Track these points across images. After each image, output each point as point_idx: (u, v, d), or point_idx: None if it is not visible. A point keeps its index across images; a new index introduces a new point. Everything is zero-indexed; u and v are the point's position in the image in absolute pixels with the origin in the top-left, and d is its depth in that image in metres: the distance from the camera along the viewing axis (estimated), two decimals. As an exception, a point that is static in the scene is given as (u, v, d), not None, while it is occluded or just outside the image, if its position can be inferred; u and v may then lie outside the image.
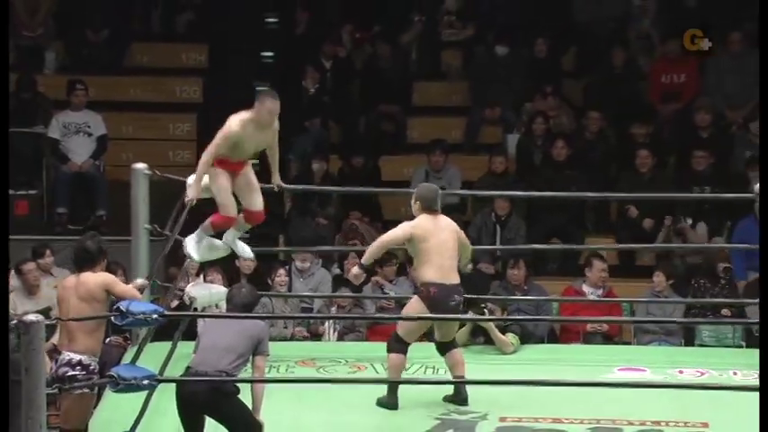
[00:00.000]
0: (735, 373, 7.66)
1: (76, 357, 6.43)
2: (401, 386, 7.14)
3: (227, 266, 9.29)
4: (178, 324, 7.43)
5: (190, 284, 7.85)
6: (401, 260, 9.67)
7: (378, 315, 9.41)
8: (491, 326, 8.06)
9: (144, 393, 6.51)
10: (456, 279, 7.19)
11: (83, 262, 6.62)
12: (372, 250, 7.25)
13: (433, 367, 7.66)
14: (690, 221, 10.23)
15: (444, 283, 7.12)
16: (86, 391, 6.44)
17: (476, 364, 7.80)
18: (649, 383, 7.26)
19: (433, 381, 7.31)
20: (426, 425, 6.96)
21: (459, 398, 7.18)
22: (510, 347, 8.12)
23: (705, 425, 6.97)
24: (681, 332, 9.30)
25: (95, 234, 6.88)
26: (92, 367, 6.47)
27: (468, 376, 7.38)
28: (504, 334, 8.13)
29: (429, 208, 7.34)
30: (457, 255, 7.25)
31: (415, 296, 7.28)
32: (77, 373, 6.41)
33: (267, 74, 11.96)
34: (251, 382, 6.41)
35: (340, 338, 9.20)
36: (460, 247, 7.30)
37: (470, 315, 7.95)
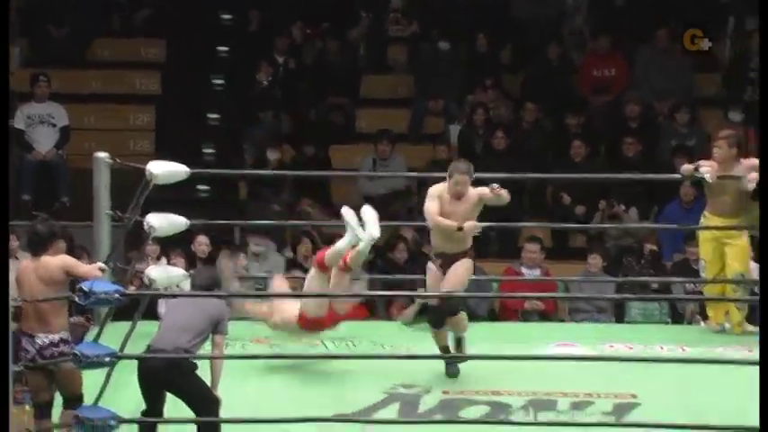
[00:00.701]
0: (661, 348, 7.75)
1: (56, 337, 6.41)
2: (351, 364, 7.17)
3: (188, 251, 9.27)
4: (138, 304, 7.40)
5: (149, 267, 7.82)
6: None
7: (337, 293, 9.36)
8: None
9: (105, 369, 6.49)
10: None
11: (34, 245, 6.59)
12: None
13: (381, 344, 7.70)
14: (623, 206, 10.33)
15: None
16: None
17: (421, 341, 7.85)
18: (581, 356, 7.33)
19: (386, 355, 7.33)
20: (373, 398, 7.00)
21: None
22: (465, 323, 8.18)
23: (633, 396, 7.05)
24: (611, 310, 9.39)
25: (47, 218, 6.84)
26: (71, 340, 6.47)
27: (415, 352, 7.43)
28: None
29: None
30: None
31: (467, 259, 7.14)
32: (64, 348, 6.41)
33: (222, 68, 11.92)
34: (208, 358, 6.41)
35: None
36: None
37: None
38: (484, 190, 7.15)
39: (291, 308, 7.27)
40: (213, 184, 11.46)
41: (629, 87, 11.48)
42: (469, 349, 7.61)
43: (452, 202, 7.19)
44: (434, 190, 7.22)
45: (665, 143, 10.99)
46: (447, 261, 7.14)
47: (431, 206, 7.14)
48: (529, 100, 11.30)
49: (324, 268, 7.09)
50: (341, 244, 7.11)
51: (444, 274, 7.10)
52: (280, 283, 7.58)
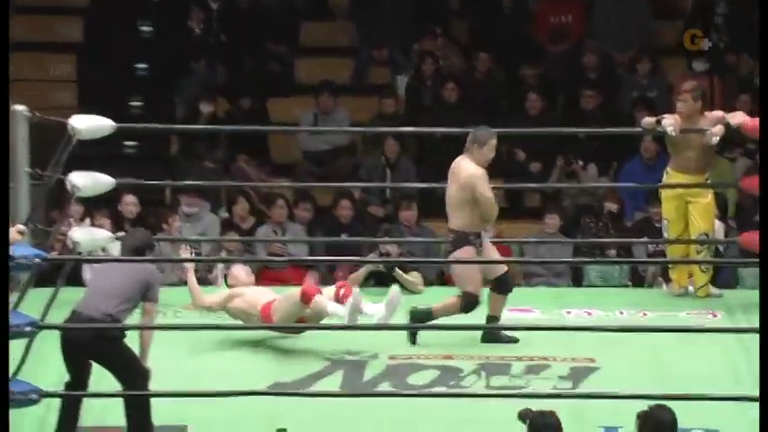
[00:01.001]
0: (621, 313, 7.80)
1: None
2: (298, 335, 7.20)
3: (114, 211, 9.19)
4: (61, 269, 7.33)
5: (73, 228, 7.74)
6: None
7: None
8: (397, 270, 8.12)
9: (26, 340, 6.42)
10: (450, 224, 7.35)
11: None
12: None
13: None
14: (581, 163, 10.37)
15: None
16: None
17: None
18: (536, 326, 7.36)
19: (329, 326, 7.33)
20: (315, 367, 7.00)
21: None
22: (421, 286, 8.21)
23: (591, 360, 7.10)
24: (569, 273, 9.45)
25: None
26: None
27: (364, 320, 7.44)
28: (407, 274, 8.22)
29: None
30: (455, 203, 7.35)
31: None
32: None
33: (151, 14, 11.78)
34: (137, 328, 6.37)
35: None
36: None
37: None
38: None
39: (258, 297, 7.22)
40: (141, 140, 11.35)
41: (588, 36, 11.49)
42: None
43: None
44: (480, 170, 7.30)
45: (626, 95, 11.03)
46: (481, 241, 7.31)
47: (488, 190, 7.23)
48: (481, 49, 11.28)
49: (307, 302, 7.05)
50: (333, 308, 7.03)
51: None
52: (238, 273, 7.48)
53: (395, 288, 7.08)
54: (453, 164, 7.42)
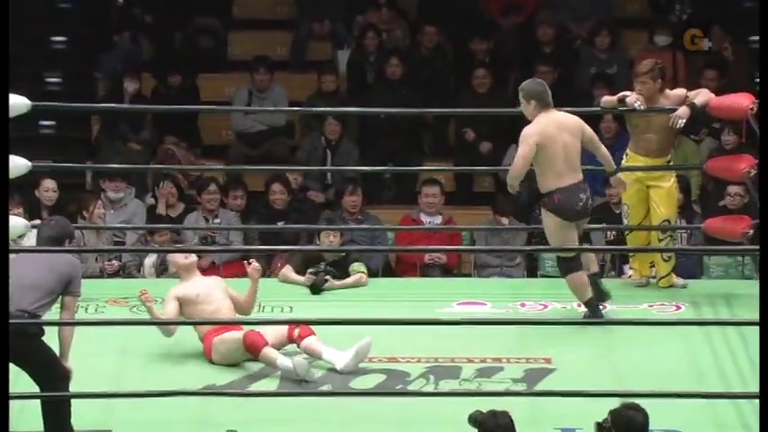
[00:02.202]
0: (579, 305, 7.82)
1: None
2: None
3: (27, 198, 9.09)
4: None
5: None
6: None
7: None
8: (335, 282, 8.13)
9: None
10: (577, 177, 7.37)
11: None
12: (520, 170, 7.28)
13: (261, 305, 7.66)
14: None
15: (565, 185, 7.30)
16: None
17: (301, 301, 7.84)
18: (488, 320, 7.37)
19: (266, 320, 7.29)
20: (251, 367, 6.98)
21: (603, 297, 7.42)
22: (365, 278, 8.20)
23: (548, 360, 7.12)
24: (523, 263, 9.47)
25: None
26: None
27: (293, 315, 7.41)
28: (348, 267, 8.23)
29: (546, 104, 7.36)
30: (579, 155, 7.39)
31: (545, 211, 7.37)
32: None
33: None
34: (57, 324, 6.31)
35: (158, 277, 9.11)
36: (590, 144, 7.45)
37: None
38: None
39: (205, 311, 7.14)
40: (60, 120, 11.25)
41: (543, 7, 11.51)
42: (361, 309, 7.62)
43: None
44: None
45: (584, 71, 11.07)
46: None
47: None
48: (427, 22, 11.27)
49: (255, 354, 6.98)
50: (284, 363, 6.92)
51: None
52: (174, 258, 7.38)
53: (368, 338, 6.96)
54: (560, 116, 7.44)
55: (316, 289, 8.14)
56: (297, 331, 7.04)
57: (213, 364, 7.05)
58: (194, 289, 7.21)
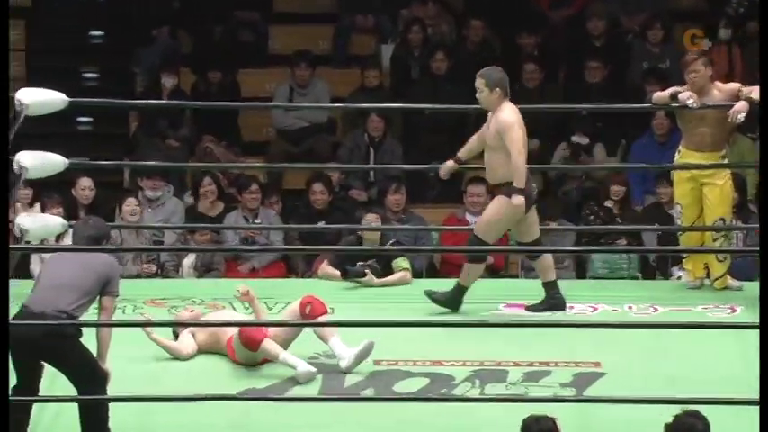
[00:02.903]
0: (630, 308, 7.84)
1: None
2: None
3: (65, 197, 9.19)
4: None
5: (21, 215, 7.74)
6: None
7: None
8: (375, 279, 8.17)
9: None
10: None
11: None
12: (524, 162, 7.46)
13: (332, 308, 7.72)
14: (586, 141, 10.38)
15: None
16: None
17: (346, 303, 7.88)
18: (535, 322, 7.39)
19: (308, 323, 7.35)
20: (290, 370, 7.00)
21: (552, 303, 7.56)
22: (409, 276, 8.26)
23: (597, 364, 7.14)
24: (572, 264, 9.48)
25: None
26: None
27: (338, 316, 7.45)
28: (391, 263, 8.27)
29: (508, 94, 7.49)
30: None
31: (501, 198, 7.46)
32: None
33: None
34: (95, 325, 6.37)
35: (198, 278, 9.19)
36: None
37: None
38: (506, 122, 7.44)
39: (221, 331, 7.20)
40: (97, 116, 11.34)
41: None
42: (403, 310, 7.66)
43: (485, 124, 7.65)
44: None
45: (635, 66, 11.06)
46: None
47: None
48: (474, 15, 11.29)
49: (254, 349, 7.04)
50: (287, 358, 6.99)
51: None
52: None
53: (369, 340, 7.01)
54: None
55: (349, 277, 8.17)
56: (308, 308, 7.05)
57: (239, 364, 7.09)
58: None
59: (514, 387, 6.90)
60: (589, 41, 11.14)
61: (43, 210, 8.81)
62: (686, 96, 7.89)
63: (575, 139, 10.38)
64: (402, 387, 6.91)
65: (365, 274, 8.19)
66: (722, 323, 7.48)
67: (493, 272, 9.42)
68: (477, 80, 7.63)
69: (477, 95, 7.62)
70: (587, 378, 6.98)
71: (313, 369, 6.94)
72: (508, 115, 7.51)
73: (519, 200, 7.50)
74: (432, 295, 7.67)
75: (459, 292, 7.66)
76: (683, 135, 8.09)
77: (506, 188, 7.52)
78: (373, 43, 11.58)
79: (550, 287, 7.70)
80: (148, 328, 7.05)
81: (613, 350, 7.17)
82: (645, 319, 7.69)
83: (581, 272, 9.47)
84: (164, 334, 7.24)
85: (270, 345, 6.95)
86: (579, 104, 10.02)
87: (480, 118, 10.81)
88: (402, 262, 8.34)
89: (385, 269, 8.28)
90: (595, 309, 7.89)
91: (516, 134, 7.47)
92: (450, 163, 7.76)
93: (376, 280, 8.18)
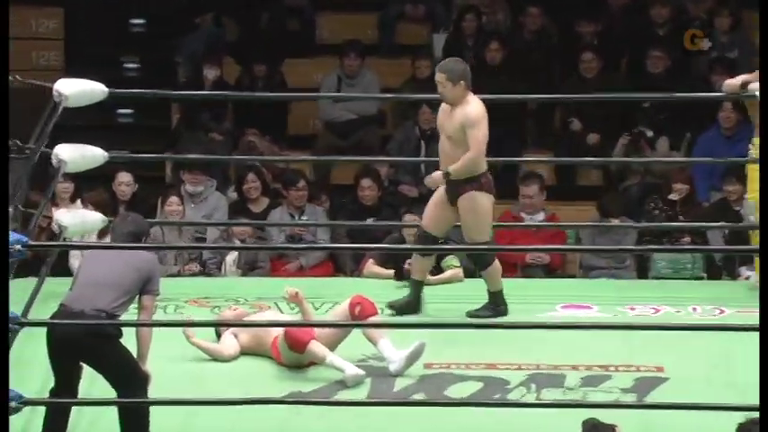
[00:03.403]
0: (694, 309, 7.79)
1: None
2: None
3: (108, 190, 9.22)
4: (46, 257, 7.37)
5: (60, 210, 7.77)
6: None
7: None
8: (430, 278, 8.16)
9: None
10: None
11: None
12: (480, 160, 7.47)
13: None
14: (648, 134, 10.32)
15: (486, 169, 7.59)
16: None
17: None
18: (595, 324, 7.35)
19: (357, 323, 7.35)
20: (337, 373, 6.99)
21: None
22: (461, 273, 8.26)
23: (660, 369, 7.09)
24: (633, 263, 9.43)
25: None
26: None
27: (388, 317, 7.44)
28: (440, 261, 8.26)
29: (470, 86, 7.48)
30: None
31: (479, 193, 7.42)
32: None
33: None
34: (136, 325, 6.39)
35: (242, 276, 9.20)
36: None
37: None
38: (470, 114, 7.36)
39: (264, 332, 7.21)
40: (138, 108, 11.38)
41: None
42: (458, 310, 7.63)
43: (444, 114, 7.50)
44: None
45: (701, 55, 10.97)
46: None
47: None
48: (531, 3, 11.25)
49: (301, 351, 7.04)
50: (336, 362, 6.98)
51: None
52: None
53: (419, 342, 6.98)
54: None
55: (401, 277, 8.16)
56: (358, 309, 7.04)
57: (284, 366, 7.08)
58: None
59: (572, 392, 6.87)
60: (652, 29, 11.06)
61: (83, 204, 8.84)
62: (755, 87, 7.81)
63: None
64: (454, 391, 6.89)
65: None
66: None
67: (550, 271, 9.38)
68: (438, 74, 7.53)
69: (440, 90, 7.53)
70: (649, 383, 6.93)
71: (361, 372, 6.92)
72: (476, 109, 7.48)
73: (437, 175, 7.48)
74: (393, 306, 7.62)
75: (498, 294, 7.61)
76: (757, 127, 8.00)
77: (468, 184, 7.48)
78: (425, 32, 11.56)
79: (498, 295, 7.62)
80: (188, 332, 7.05)
81: (677, 354, 7.13)
82: (710, 321, 7.63)
83: (642, 272, 9.41)
84: (206, 334, 7.24)
85: (317, 347, 6.93)
86: (642, 95, 9.96)
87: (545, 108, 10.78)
88: (452, 260, 8.32)
89: (435, 268, 8.26)
90: (658, 311, 7.85)
91: (482, 132, 7.47)
92: (437, 174, 7.64)
93: (431, 279, 8.15)
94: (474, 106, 7.49)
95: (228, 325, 7.20)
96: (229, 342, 7.21)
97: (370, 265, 8.47)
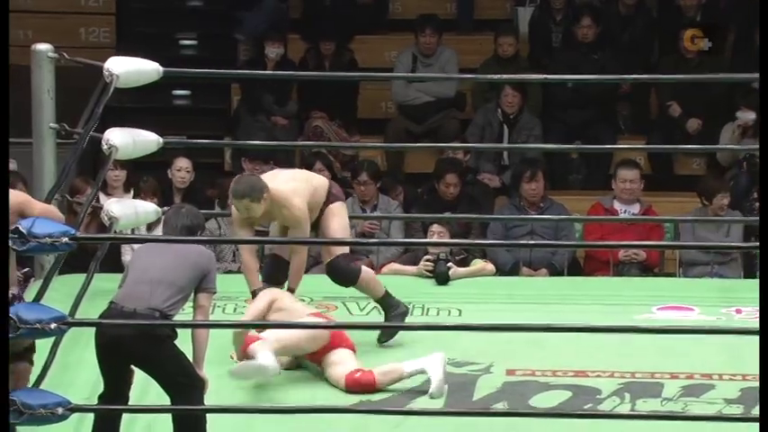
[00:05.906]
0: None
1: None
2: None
3: (164, 178, 9.29)
4: (95, 251, 7.43)
5: (110, 200, 7.83)
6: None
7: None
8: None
9: (51, 340, 6.52)
10: None
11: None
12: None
13: (423, 308, 7.75)
14: (752, 116, 10.26)
15: None
16: None
17: (475, 303, 7.86)
18: (696, 328, 7.30)
19: (431, 326, 7.36)
20: (414, 380, 7.02)
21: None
22: (490, 265, 8.32)
23: None
24: (739, 261, 9.37)
25: None
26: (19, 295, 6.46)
27: (469, 320, 7.44)
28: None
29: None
30: None
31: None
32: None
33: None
34: (193, 326, 6.43)
35: (306, 272, 9.22)
36: None
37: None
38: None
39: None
40: (195, 89, 11.46)
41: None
42: (541, 313, 7.61)
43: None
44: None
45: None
46: None
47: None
48: (627, -27, 11.22)
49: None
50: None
51: None
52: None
53: (437, 353, 6.99)
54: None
55: (442, 279, 8.16)
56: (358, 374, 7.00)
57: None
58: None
59: (671, 403, 6.85)
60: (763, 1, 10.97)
61: (136, 193, 8.91)
62: None
63: (739, 114, 10.23)
64: (540, 401, 6.88)
65: (449, 268, 8.18)
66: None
67: (646, 269, 9.33)
68: (236, 203, 7.31)
69: (251, 215, 7.37)
70: (756, 393, 6.87)
71: (444, 383, 6.93)
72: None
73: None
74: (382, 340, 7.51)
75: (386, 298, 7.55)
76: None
77: None
78: (508, 6, 11.55)
79: (387, 298, 7.51)
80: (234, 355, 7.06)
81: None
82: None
83: (750, 269, 9.35)
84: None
85: (387, 377, 6.96)
86: (750, 74, 9.88)
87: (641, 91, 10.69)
88: (478, 262, 8.35)
89: (462, 263, 8.30)
90: (766, 314, 7.79)
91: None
92: None
93: (462, 270, 8.18)
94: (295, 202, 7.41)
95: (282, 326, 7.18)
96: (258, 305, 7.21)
97: (392, 264, 8.51)
